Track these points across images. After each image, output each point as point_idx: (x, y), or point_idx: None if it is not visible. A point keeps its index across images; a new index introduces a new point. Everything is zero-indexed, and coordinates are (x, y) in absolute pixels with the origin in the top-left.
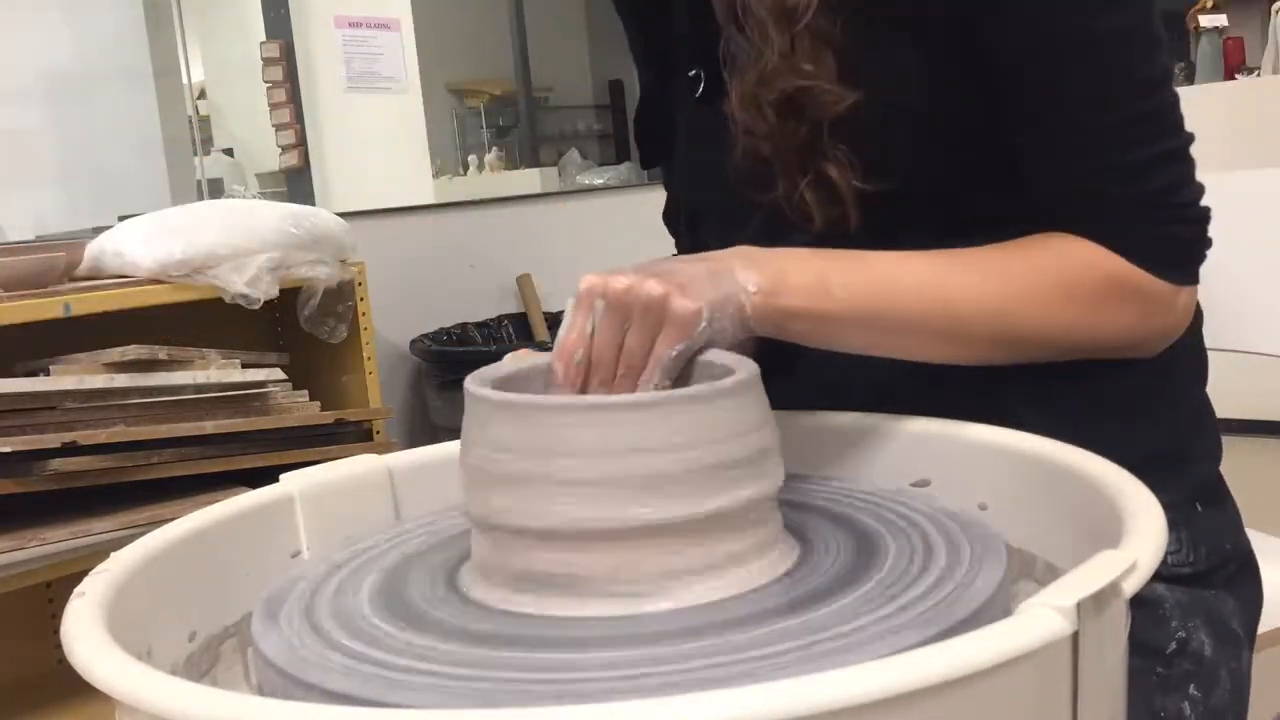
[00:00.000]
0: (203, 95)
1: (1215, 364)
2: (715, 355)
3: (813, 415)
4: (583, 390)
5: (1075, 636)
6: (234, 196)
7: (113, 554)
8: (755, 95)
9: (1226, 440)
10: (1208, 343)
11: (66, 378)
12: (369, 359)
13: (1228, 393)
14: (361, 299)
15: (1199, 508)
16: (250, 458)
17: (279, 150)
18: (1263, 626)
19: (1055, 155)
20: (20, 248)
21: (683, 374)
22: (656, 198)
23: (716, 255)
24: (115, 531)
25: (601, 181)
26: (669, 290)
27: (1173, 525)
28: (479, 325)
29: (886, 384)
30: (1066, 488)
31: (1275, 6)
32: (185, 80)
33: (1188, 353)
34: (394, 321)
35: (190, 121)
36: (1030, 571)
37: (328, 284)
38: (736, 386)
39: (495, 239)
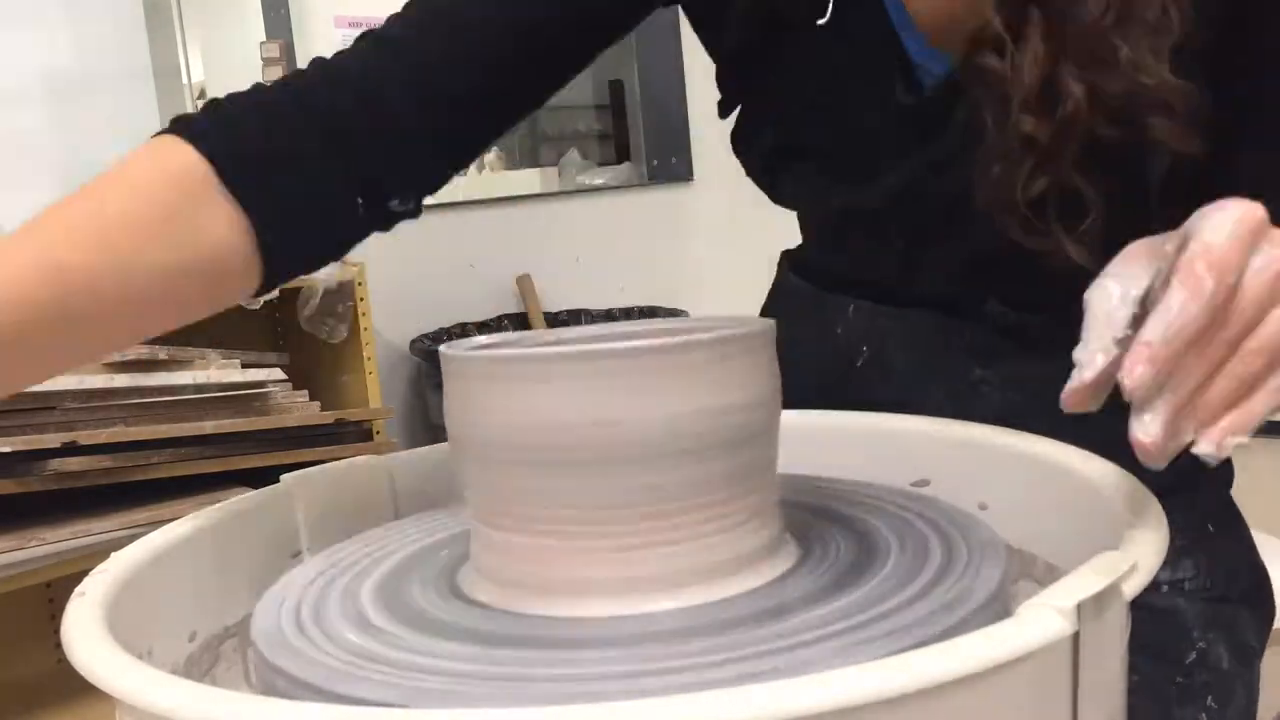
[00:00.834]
0: (203, 95)
1: None
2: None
3: (813, 415)
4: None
5: (1075, 637)
6: None
7: (113, 554)
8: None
9: None
10: None
11: (66, 378)
12: (369, 359)
13: None
14: (361, 299)
15: (1211, 528)
16: (250, 458)
17: None
18: None
19: None
20: None
21: None
22: (657, 198)
23: None
24: (115, 531)
25: (601, 181)
26: None
27: (1187, 552)
28: (479, 325)
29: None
30: (1067, 488)
31: None
32: (185, 80)
33: None
34: (394, 321)
35: None
36: (1030, 572)
37: (327, 284)
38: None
39: (495, 239)
